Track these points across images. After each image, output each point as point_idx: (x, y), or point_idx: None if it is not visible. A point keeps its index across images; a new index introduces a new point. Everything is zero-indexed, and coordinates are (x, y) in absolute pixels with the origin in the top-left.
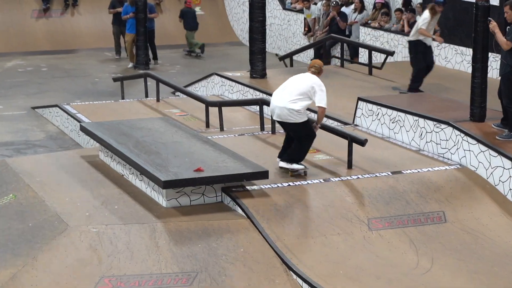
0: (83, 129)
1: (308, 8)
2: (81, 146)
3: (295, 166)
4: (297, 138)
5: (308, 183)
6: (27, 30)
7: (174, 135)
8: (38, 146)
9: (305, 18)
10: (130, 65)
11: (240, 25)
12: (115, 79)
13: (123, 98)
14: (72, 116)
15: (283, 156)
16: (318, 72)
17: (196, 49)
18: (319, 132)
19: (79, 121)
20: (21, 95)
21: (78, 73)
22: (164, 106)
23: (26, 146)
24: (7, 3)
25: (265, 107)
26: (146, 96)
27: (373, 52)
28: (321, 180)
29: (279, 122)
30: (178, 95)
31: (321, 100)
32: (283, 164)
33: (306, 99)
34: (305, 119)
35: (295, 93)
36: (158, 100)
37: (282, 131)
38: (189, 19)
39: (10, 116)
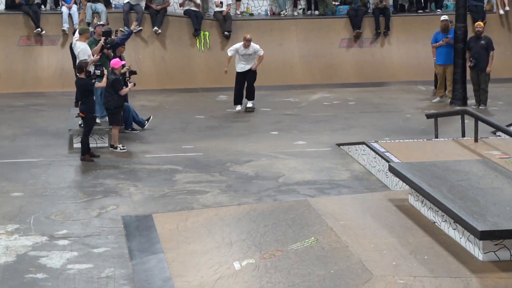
0: (391, 170)
1: None
2: (388, 188)
3: None
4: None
5: None
6: (334, 61)
7: (494, 180)
8: (342, 186)
9: None
10: (436, 99)
11: None
12: (428, 116)
13: (436, 137)
14: (380, 155)
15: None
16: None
17: None
18: None
19: (387, 161)
20: (326, 130)
21: (388, 108)
22: (483, 147)
23: (330, 186)
24: (313, 31)
25: None
26: (463, 135)
27: None
28: None
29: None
30: (500, 135)
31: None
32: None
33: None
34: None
35: None
36: (476, 140)
37: None
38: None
39: (314, 153)
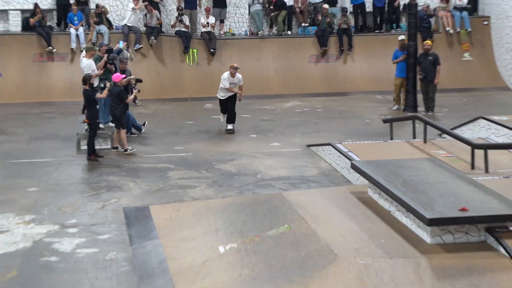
0: (353, 167)
1: None
2: (351, 183)
3: None
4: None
5: None
6: (304, 74)
7: (440, 175)
8: (312, 181)
9: None
10: (395, 107)
11: (508, 70)
12: (385, 121)
13: (391, 139)
14: (343, 155)
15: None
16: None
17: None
18: None
19: (350, 159)
20: (297, 133)
21: (350, 115)
22: (431, 148)
23: (301, 181)
24: (286, 49)
25: None
26: (414, 137)
27: None
28: None
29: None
30: (445, 137)
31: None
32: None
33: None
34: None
35: None
36: (425, 141)
37: None
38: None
39: (288, 153)
